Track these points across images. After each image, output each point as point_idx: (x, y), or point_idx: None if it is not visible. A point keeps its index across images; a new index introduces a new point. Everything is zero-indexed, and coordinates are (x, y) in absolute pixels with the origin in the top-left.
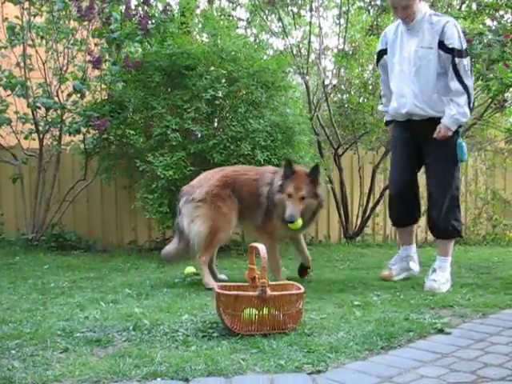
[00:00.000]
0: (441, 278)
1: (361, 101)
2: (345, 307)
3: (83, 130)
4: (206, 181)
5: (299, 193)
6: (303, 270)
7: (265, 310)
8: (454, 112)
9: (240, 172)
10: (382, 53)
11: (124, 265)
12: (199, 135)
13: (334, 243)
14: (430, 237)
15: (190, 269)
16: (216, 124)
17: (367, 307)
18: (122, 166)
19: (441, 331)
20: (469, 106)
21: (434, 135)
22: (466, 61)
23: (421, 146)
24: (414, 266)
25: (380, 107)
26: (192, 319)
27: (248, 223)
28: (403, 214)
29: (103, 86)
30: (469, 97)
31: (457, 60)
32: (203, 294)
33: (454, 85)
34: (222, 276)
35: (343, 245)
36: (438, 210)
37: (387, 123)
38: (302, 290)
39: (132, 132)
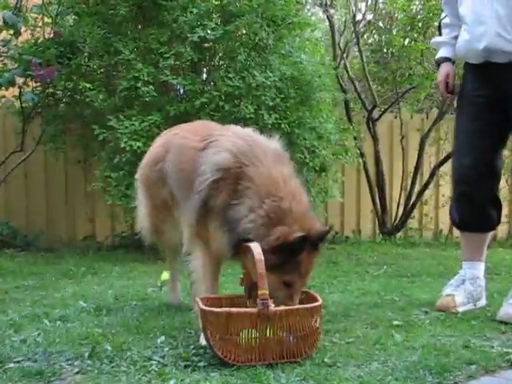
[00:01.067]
0: None
1: (406, 43)
2: (380, 328)
3: (19, 81)
4: (148, 151)
5: (305, 280)
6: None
7: (269, 332)
8: None
9: (181, 133)
10: None
11: (77, 269)
12: (181, 91)
13: (366, 241)
14: (501, 233)
15: (168, 274)
16: (205, 76)
17: (411, 329)
18: (75, 133)
19: None
20: None
21: None
22: None
23: (507, 109)
24: (482, 298)
25: (435, 39)
26: (171, 343)
27: (181, 221)
28: (473, 216)
29: (47, 19)
30: None
31: None
32: (186, 309)
33: None
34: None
35: (378, 243)
36: None
37: (439, 62)
38: (319, 301)
39: (88, 85)
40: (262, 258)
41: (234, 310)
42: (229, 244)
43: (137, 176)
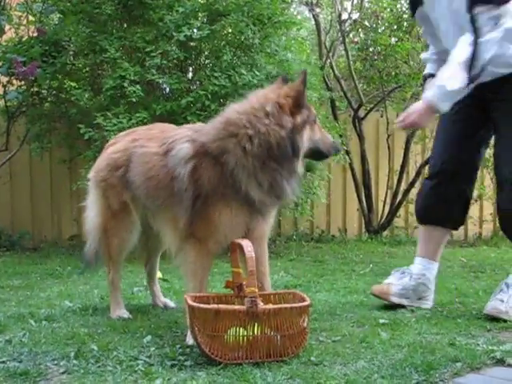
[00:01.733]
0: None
1: (393, 42)
2: (366, 326)
3: (3, 80)
4: (103, 152)
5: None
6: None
7: (256, 330)
8: None
9: (140, 141)
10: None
11: (63, 268)
12: (167, 90)
13: (352, 239)
14: (486, 232)
15: (157, 274)
16: (191, 75)
17: (397, 327)
18: (60, 133)
19: (500, 362)
20: None
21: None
22: None
23: (488, 109)
24: (425, 299)
25: (424, 55)
26: (157, 342)
27: (163, 228)
28: (438, 209)
29: (31, 17)
30: None
31: None
32: (172, 308)
33: None
34: (167, 301)
35: (364, 241)
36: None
37: (426, 78)
38: (308, 301)
39: (73, 84)
40: (253, 256)
41: (222, 306)
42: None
43: (90, 176)
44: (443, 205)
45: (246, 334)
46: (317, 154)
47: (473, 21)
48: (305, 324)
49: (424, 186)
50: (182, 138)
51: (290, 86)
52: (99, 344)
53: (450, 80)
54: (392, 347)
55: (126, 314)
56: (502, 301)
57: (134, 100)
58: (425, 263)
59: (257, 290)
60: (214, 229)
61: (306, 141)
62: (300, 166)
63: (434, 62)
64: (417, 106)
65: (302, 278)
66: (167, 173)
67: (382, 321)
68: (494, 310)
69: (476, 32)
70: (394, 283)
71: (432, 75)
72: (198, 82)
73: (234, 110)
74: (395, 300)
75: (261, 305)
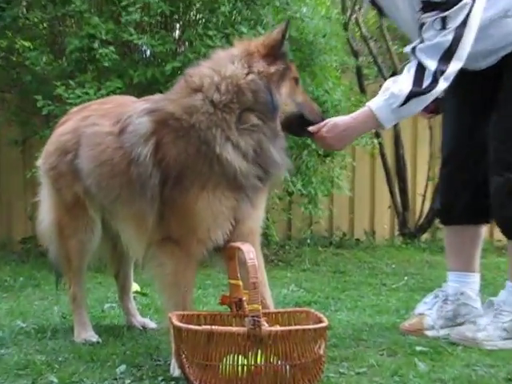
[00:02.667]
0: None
1: None
2: (399, 355)
3: None
4: (53, 134)
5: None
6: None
7: (260, 358)
8: None
9: (91, 118)
10: None
11: (14, 279)
12: (148, 52)
13: (382, 244)
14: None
15: (133, 286)
16: (178, 33)
17: (439, 357)
18: (10, 106)
19: None
20: None
21: None
22: None
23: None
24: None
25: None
26: (133, 373)
27: (124, 230)
28: (459, 203)
29: None
30: None
31: None
32: (153, 329)
33: None
34: (146, 321)
35: (398, 247)
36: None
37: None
38: (325, 322)
39: (28, 44)
40: (256, 264)
41: (216, 328)
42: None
43: (40, 163)
44: (462, 193)
45: (246, 363)
46: (301, 122)
47: (420, 27)
48: (321, 351)
49: (440, 177)
50: (140, 112)
51: (264, 36)
52: (60, 375)
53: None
54: (432, 382)
55: (94, 338)
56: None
57: (105, 65)
58: (460, 278)
59: (260, 308)
60: (192, 223)
61: (285, 97)
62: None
63: None
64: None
65: (317, 294)
66: (123, 156)
67: (419, 348)
68: (463, 338)
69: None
70: (427, 313)
71: None
72: (186, 43)
73: (196, 65)
74: (432, 334)
75: (265, 326)
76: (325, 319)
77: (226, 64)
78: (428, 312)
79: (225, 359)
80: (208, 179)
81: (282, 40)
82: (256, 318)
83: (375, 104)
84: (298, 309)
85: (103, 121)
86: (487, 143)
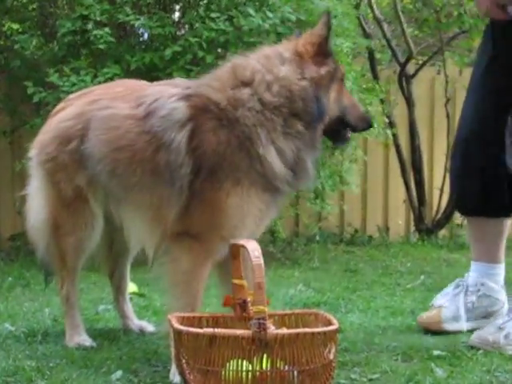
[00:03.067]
0: None
1: None
2: (415, 361)
3: None
4: (49, 122)
5: None
6: None
7: (265, 363)
8: None
9: (101, 102)
10: None
11: (2, 279)
12: (146, 35)
13: (397, 242)
14: None
15: (129, 287)
16: (178, 15)
17: (458, 361)
18: None
19: None
20: None
21: None
22: None
23: None
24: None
25: None
26: (130, 380)
27: (135, 220)
28: (476, 193)
29: None
30: None
31: None
32: (151, 333)
33: None
34: (144, 324)
35: (413, 245)
36: None
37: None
38: (335, 325)
39: (16, 27)
40: (262, 263)
41: (219, 331)
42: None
43: (33, 154)
44: (481, 185)
45: (251, 368)
46: (341, 127)
47: None
48: (331, 356)
49: (452, 158)
50: (172, 96)
51: (309, 32)
52: (51, 382)
53: None
54: None
55: (87, 342)
56: (501, 329)
57: (100, 47)
58: (482, 268)
59: (266, 309)
60: (219, 218)
61: (332, 102)
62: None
63: None
64: None
65: (327, 294)
66: (149, 141)
67: (436, 352)
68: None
69: None
70: (446, 305)
71: None
72: (187, 26)
73: (241, 57)
74: (450, 328)
75: (271, 329)
76: (335, 321)
77: (277, 64)
78: (447, 304)
79: (228, 364)
80: (245, 176)
81: (328, 35)
82: (261, 321)
83: None
84: (306, 310)
85: (118, 104)
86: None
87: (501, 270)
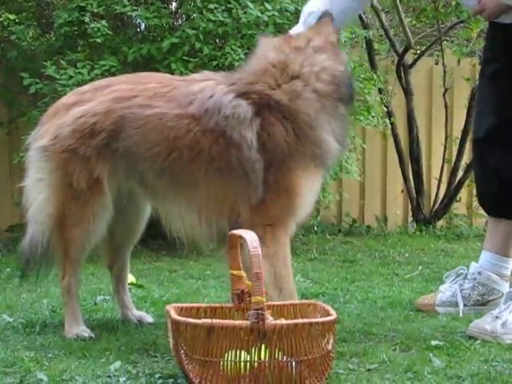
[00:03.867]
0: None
1: None
2: (413, 351)
3: None
4: (59, 112)
5: None
6: None
7: (264, 354)
8: None
9: (134, 100)
10: None
11: (0, 270)
12: (143, 27)
13: (395, 232)
14: None
15: (133, 277)
16: (175, 6)
17: (456, 351)
18: None
19: None
20: None
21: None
22: None
23: None
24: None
25: None
26: (129, 371)
27: (199, 216)
28: (494, 194)
29: None
30: None
31: None
32: (149, 323)
33: None
34: (143, 315)
35: (411, 235)
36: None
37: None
38: (333, 315)
39: (13, 17)
40: (260, 253)
41: (217, 322)
42: None
43: (43, 144)
44: (499, 188)
45: (249, 359)
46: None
47: None
48: (329, 346)
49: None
50: (226, 93)
51: (319, 24)
52: (50, 373)
53: None
54: (448, 379)
55: (86, 333)
56: (498, 318)
57: (98, 41)
58: (490, 258)
59: (265, 300)
60: (295, 203)
61: None
62: None
63: None
64: None
65: (325, 285)
66: (215, 140)
67: (434, 343)
68: (481, 332)
69: None
70: (442, 289)
71: None
72: (184, 17)
73: (271, 48)
74: (441, 311)
75: (270, 319)
76: (333, 312)
77: (314, 54)
78: (443, 288)
79: (226, 355)
80: (311, 160)
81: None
82: (260, 311)
83: None
84: (304, 301)
85: (161, 103)
86: None
87: (508, 263)
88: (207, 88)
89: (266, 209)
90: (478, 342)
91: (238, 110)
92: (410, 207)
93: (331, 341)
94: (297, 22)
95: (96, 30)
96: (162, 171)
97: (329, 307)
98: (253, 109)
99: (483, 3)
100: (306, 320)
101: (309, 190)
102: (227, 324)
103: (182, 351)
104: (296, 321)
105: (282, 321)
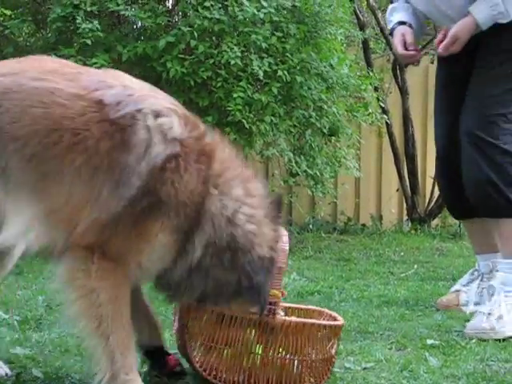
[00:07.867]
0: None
1: None
2: (409, 349)
3: None
4: None
5: None
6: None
7: (270, 348)
8: None
9: (29, 74)
10: None
11: None
12: (139, 24)
13: (390, 230)
14: None
15: None
16: (171, 4)
17: (451, 350)
18: None
19: None
20: None
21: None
22: None
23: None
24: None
25: (392, 6)
26: None
27: (56, 218)
28: (456, 198)
29: None
30: None
31: None
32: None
33: None
34: None
35: (406, 234)
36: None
37: (394, 29)
38: (340, 321)
39: (8, 12)
40: (288, 249)
41: (227, 311)
42: None
43: None
44: (457, 191)
45: (253, 351)
46: None
47: None
48: (333, 351)
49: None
50: (162, 103)
51: None
52: (45, 370)
53: None
54: (444, 378)
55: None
56: (489, 314)
57: (88, 41)
58: (490, 257)
59: (280, 295)
60: (141, 246)
61: None
62: None
63: (406, 10)
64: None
65: (321, 283)
66: (110, 133)
67: (430, 342)
68: (478, 331)
69: None
70: (463, 289)
71: (404, 23)
72: (180, 15)
73: None
74: (468, 310)
75: (280, 315)
76: (340, 318)
77: None
78: (464, 288)
79: (232, 344)
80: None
81: None
82: (272, 306)
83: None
84: (310, 307)
85: (59, 80)
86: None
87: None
88: (133, 89)
89: (111, 232)
90: (474, 341)
91: (158, 121)
92: (405, 206)
93: (335, 346)
94: (294, 20)
95: (87, 30)
96: (31, 156)
97: (335, 314)
98: (177, 132)
99: (453, 35)
100: (314, 321)
101: (160, 238)
102: (237, 314)
103: (187, 335)
104: (305, 320)
105: (293, 318)
